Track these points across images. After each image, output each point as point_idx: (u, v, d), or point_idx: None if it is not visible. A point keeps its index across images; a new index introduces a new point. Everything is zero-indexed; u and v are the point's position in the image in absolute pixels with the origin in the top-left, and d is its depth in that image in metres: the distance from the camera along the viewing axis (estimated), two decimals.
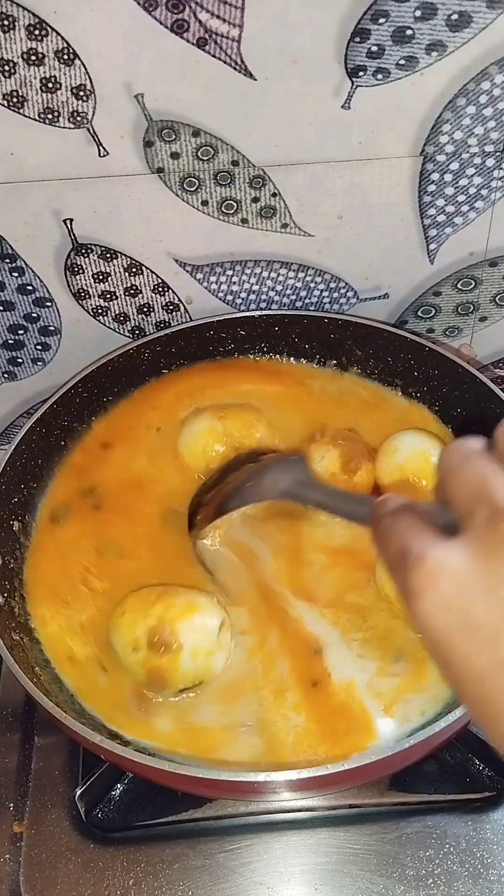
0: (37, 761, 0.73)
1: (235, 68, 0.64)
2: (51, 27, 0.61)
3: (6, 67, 0.63)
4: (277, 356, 0.85)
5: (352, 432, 0.76)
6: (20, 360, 0.85)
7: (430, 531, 0.36)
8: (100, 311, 0.81)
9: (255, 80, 0.65)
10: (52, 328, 0.82)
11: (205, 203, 0.73)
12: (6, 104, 0.64)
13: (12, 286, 0.78)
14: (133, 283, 0.79)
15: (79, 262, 0.77)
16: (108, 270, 0.78)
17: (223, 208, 0.74)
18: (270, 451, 0.75)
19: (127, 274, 0.78)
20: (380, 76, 0.65)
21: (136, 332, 0.84)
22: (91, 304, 0.81)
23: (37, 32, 0.61)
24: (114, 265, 0.78)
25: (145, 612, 0.62)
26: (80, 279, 0.78)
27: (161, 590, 0.64)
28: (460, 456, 0.37)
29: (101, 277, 0.78)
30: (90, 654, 0.65)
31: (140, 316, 0.83)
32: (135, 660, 0.61)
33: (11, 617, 0.66)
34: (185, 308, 0.82)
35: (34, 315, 0.81)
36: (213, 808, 0.69)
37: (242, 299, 0.82)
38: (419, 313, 0.84)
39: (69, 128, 0.66)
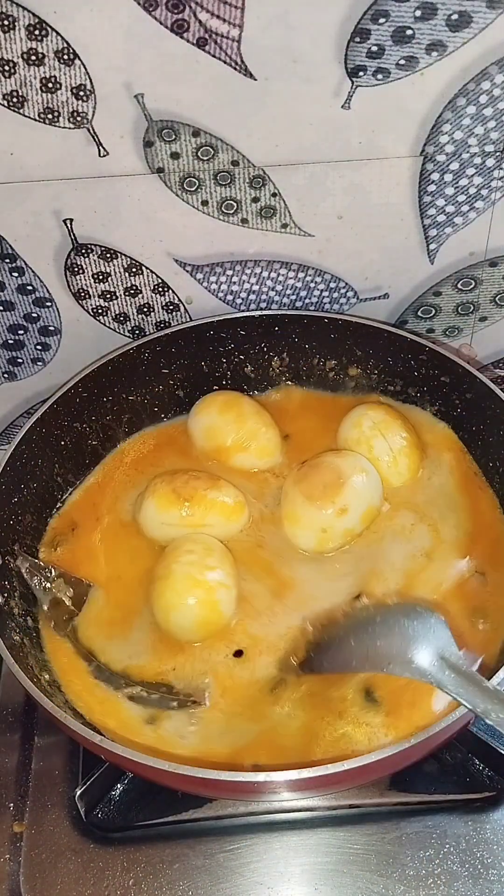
0: (37, 761, 0.73)
1: (235, 68, 0.64)
2: (51, 27, 0.61)
3: (6, 67, 0.63)
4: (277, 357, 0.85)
5: None
6: (20, 360, 0.85)
7: None
8: (100, 311, 0.81)
9: (255, 80, 0.65)
10: (52, 328, 0.82)
11: (205, 203, 0.73)
12: (6, 104, 0.64)
13: (12, 286, 0.78)
14: (133, 283, 0.79)
15: (79, 262, 0.77)
16: (108, 270, 0.78)
17: (223, 208, 0.74)
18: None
19: (127, 274, 0.78)
20: (380, 76, 0.65)
21: (136, 332, 0.84)
22: (91, 304, 0.81)
23: (37, 32, 0.61)
24: (114, 265, 0.77)
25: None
26: (80, 279, 0.78)
27: None
28: None
29: (101, 277, 0.78)
30: None
31: (140, 316, 0.83)
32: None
33: (11, 617, 0.66)
34: (185, 308, 0.82)
35: (34, 315, 0.81)
36: (213, 808, 0.69)
37: (242, 299, 0.82)
38: (419, 313, 0.84)
39: (69, 128, 0.66)
